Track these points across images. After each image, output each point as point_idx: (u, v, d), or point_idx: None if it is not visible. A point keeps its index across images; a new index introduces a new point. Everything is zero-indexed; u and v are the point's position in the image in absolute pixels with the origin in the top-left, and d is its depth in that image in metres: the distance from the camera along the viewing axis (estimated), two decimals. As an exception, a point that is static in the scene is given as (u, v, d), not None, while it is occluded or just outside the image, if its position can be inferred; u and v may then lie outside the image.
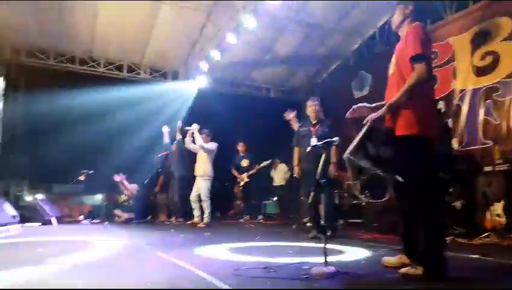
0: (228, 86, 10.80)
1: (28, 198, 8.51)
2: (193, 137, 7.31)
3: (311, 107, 5.08)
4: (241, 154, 9.02)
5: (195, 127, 7.29)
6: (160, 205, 9.07)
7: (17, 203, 8.07)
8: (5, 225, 5.63)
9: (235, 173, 9.07)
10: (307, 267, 2.62)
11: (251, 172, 8.82)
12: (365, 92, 8.97)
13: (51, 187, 9.77)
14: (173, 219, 8.36)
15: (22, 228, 6.36)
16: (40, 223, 7.36)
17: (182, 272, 2.67)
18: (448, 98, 6.63)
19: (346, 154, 2.54)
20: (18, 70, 8.90)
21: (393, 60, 2.65)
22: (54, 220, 7.57)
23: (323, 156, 2.72)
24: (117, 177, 8.75)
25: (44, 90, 8.47)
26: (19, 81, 9.09)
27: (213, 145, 7.29)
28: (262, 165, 8.90)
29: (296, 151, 5.25)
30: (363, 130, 2.48)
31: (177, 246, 4.24)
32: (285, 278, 2.35)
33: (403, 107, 2.43)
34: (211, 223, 7.05)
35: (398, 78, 2.52)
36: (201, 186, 7.10)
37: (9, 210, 6.21)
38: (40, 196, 8.49)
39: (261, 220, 8.19)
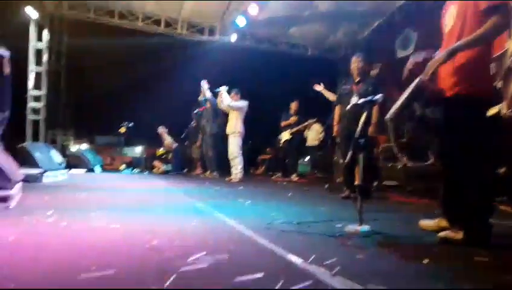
0: (265, 43, 10.54)
1: (73, 148, 9.01)
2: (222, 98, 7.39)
3: (355, 64, 4.85)
4: (292, 112, 8.84)
5: (222, 88, 7.34)
6: (195, 159, 9.33)
7: (63, 151, 8.59)
8: (52, 170, 6.02)
9: (285, 123, 8.90)
10: (340, 225, 2.63)
11: (294, 129, 8.65)
12: (409, 51, 8.46)
13: (94, 138, 10.28)
14: (208, 173, 8.60)
15: (68, 173, 6.82)
16: (85, 170, 7.83)
17: (217, 222, 2.75)
18: (500, 59, 6.12)
19: (388, 115, 2.44)
20: (60, 23, 9.09)
21: (453, 12, 2.39)
22: (97, 168, 8.02)
23: (364, 115, 2.63)
24: (160, 129, 9.01)
25: (86, 43, 8.66)
26: (62, 34, 9.31)
27: (241, 103, 7.33)
28: (306, 123, 8.76)
29: (337, 110, 5.09)
30: (409, 89, 2.34)
31: (212, 197, 4.38)
32: (318, 234, 2.36)
33: (459, 64, 2.23)
34: (244, 179, 7.22)
35: (460, 32, 2.28)
36: (232, 143, 7.24)
37: (56, 157, 6.62)
38: (84, 146, 8.97)
39: (294, 179, 8.24)
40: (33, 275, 1.47)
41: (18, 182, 3.49)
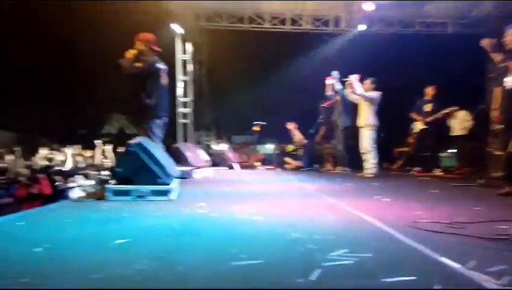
0: (395, 26, 9.79)
1: (215, 147, 9.96)
2: (353, 87, 7.05)
3: (509, 37, 4.10)
4: (427, 97, 8.00)
5: (353, 77, 6.99)
6: (325, 154, 9.27)
7: (207, 150, 9.61)
8: (200, 167, 6.77)
9: (415, 116, 8.16)
10: (504, 226, 2.26)
11: (430, 118, 7.78)
12: None
13: (231, 138, 11.22)
14: (339, 168, 8.45)
15: (213, 170, 7.59)
16: (227, 168, 8.62)
17: (354, 218, 2.67)
18: None
19: None
20: (200, 34, 10.15)
21: None
22: (236, 166, 8.73)
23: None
24: (289, 125, 9.28)
25: (222, 51, 9.49)
26: (202, 44, 10.40)
27: (375, 94, 6.88)
28: (445, 111, 7.81)
29: (496, 92, 4.36)
30: None
31: (345, 194, 4.27)
32: (476, 236, 2.06)
33: None
34: (378, 174, 6.85)
35: None
36: (364, 137, 6.91)
37: (203, 155, 7.43)
38: (224, 145, 9.86)
39: (437, 173, 7.42)
40: (192, 261, 1.62)
41: (176, 177, 4.05)
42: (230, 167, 8.70)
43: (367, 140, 6.90)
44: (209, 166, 7.59)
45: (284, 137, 10.13)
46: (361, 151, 7.06)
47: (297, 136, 9.26)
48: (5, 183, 6.00)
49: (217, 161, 8.82)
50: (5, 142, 13.69)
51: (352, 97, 7.24)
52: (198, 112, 10.47)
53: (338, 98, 8.25)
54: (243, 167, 9.42)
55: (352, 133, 7.62)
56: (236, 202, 3.44)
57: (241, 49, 9.64)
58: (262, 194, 4.24)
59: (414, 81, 8.51)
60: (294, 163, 9.06)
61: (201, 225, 2.44)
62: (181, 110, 9.92)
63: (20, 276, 1.37)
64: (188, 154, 6.61)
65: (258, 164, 9.86)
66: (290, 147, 9.78)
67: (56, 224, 2.51)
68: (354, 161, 7.73)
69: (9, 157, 7.75)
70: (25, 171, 6.68)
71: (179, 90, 9.82)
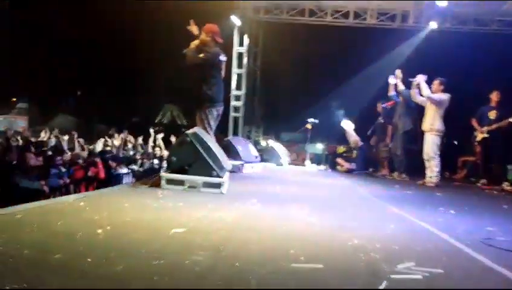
0: (470, 24, 9.00)
1: (263, 143, 9.80)
2: (419, 89, 6.51)
3: None
4: (492, 104, 7.30)
5: (420, 78, 6.47)
6: (382, 158, 8.75)
7: (255, 146, 9.47)
8: (250, 162, 6.62)
9: (475, 123, 7.49)
10: None
11: (494, 126, 7.09)
12: None
13: (279, 135, 11.02)
14: (395, 174, 7.93)
15: (262, 166, 7.44)
16: (275, 164, 8.43)
17: (419, 229, 2.53)
18: None
19: None
20: (257, 27, 10.00)
21: None
22: (284, 163, 8.52)
23: None
24: (345, 125, 8.88)
25: (278, 44, 9.28)
26: (258, 37, 10.25)
27: (443, 96, 6.30)
28: (510, 119, 7.06)
29: None
30: None
31: (406, 202, 3.99)
32: None
33: None
34: (440, 183, 6.32)
35: None
36: (428, 142, 6.40)
37: (253, 151, 7.28)
38: (271, 142, 9.67)
39: (507, 188, 6.69)
40: (249, 257, 1.58)
41: (228, 171, 3.92)
42: (279, 164, 8.50)
43: (431, 146, 6.39)
44: (259, 161, 7.43)
45: (335, 137, 9.75)
46: (424, 157, 6.55)
47: (353, 137, 8.82)
48: (65, 164, 6.24)
49: (266, 156, 8.65)
50: (66, 125, 14.57)
51: (419, 99, 6.72)
52: (249, 106, 10.37)
53: (401, 98, 7.71)
54: (292, 165, 9.18)
55: (413, 138, 7.11)
56: (288, 201, 3.41)
57: (297, 43, 9.38)
58: (316, 195, 4.13)
59: (483, 85, 7.77)
60: (347, 165, 8.65)
61: (255, 221, 2.41)
62: (233, 103, 9.86)
63: (86, 255, 1.40)
64: (239, 148, 6.49)
65: (308, 163, 9.55)
66: (342, 148, 9.37)
67: (116, 207, 2.57)
68: (413, 167, 7.27)
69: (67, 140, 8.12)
70: (84, 154, 6.93)
71: (233, 83, 9.76)
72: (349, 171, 8.47)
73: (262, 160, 8.44)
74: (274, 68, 10.51)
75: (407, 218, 2.91)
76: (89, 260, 1.36)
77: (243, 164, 6.12)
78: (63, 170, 6.10)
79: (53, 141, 8.19)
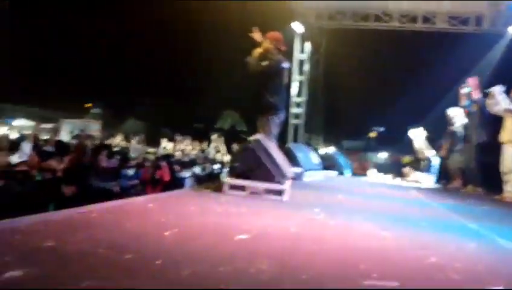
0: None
1: (323, 151, 9.61)
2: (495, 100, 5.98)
3: None
4: None
5: (496, 90, 5.96)
6: (453, 170, 8.12)
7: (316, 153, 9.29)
8: (311, 170, 6.49)
9: None
10: None
11: None
12: None
13: (341, 143, 10.73)
14: (469, 187, 7.30)
15: (323, 174, 7.26)
16: (337, 173, 8.20)
17: (503, 249, 2.27)
18: None
19: None
20: (319, 33, 9.86)
21: None
22: (347, 172, 8.25)
23: None
24: (411, 134, 8.42)
25: (341, 51, 9.06)
26: (320, 44, 10.10)
27: None
28: None
29: None
30: None
31: (484, 218, 3.57)
32: None
33: None
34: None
35: None
36: (507, 155, 5.85)
37: (314, 158, 7.14)
38: (332, 149, 9.44)
39: None
40: (316, 270, 1.49)
41: (289, 178, 3.85)
42: (341, 173, 8.25)
43: (510, 159, 5.80)
44: (320, 169, 7.27)
45: (400, 146, 9.25)
46: (502, 170, 5.97)
47: (420, 146, 8.30)
48: (134, 166, 6.62)
49: (328, 164, 8.45)
50: (133, 129, 15.56)
51: (494, 110, 6.17)
52: (309, 113, 10.24)
53: (476, 107, 7.12)
54: (354, 173, 8.87)
55: (489, 149, 6.52)
56: (354, 211, 3.28)
57: (361, 49, 9.08)
58: (383, 207, 3.91)
59: None
60: (415, 176, 8.14)
61: (320, 232, 2.32)
62: (294, 110, 9.79)
63: (155, 257, 1.41)
64: (300, 156, 6.40)
65: (371, 172, 9.17)
66: (407, 159, 8.87)
67: (182, 210, 2.61)
68: (488, 181, 6.73)
69: (135, 143, 8.62)
70: (151, 157, 7.31)
71: (294, 90, 9.70)
72: (416, 183, 7.98)
73: (324, 168, 8.26)
74: (336, 75, 10.29)
75: (488, 236, 2.63)
76: (157, 262, 1.36)
77: (303, 172, 6.02)
78: (132, 172, 6.48)
79: (123, 144, 8.76)
